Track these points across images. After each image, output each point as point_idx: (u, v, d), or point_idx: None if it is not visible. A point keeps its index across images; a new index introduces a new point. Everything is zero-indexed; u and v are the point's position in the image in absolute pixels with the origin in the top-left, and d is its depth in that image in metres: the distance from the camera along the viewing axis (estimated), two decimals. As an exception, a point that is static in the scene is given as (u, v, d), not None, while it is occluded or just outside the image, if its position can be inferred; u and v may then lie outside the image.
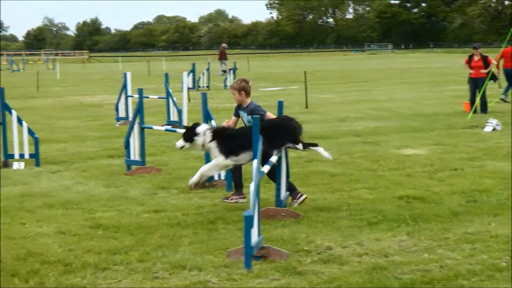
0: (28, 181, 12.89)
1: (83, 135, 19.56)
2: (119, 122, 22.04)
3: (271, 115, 10.64)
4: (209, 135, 9.99)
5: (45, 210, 10.49)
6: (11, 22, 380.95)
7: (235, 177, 10.89)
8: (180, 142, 10.15)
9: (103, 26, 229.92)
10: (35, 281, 7.24)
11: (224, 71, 46.84)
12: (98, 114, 25.75)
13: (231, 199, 10.81)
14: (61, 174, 13.57)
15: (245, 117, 10.91)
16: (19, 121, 14.74)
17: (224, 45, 56.30)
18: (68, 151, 16.60)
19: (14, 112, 14.76)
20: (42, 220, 9.87)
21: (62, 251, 8.26)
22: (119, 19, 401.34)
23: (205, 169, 10.01)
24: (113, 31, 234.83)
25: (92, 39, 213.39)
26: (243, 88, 10.92)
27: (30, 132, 14.78)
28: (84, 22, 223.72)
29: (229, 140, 10.01)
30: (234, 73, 41.81)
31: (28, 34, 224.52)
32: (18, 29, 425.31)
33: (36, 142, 14.68)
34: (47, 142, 17.68)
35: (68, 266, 7.67)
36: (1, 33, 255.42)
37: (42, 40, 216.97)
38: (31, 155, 14.72)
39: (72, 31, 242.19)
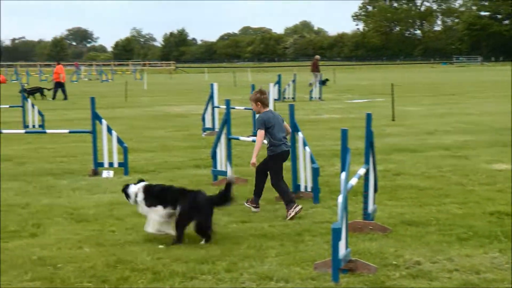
0: (117, 190, 13.02)
1: (170, 145, 19.77)
2: (205, 133, 22.23)
3: (260, 133, 11.07)
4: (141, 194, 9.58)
5: (133, 218, 10.62)
6: (101, 33, 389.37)
7: (258, 186, 11.32)
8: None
9: (189, 37, 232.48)
10: (124, 288, 7.35)
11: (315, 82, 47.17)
12: (185, 124, 26.01)
13: (246, 204, 11.29)
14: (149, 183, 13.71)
15: None
16: (109, 130, 14.98)
17: (317, 57, 56.33)
18: (156, 161, 16.80)
19: (104, 121, 15.02)
20: (130, 228, 10.00)
21: (150, 259, 8.34)
22: (205, 30, 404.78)
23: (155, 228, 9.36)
24: (199, 42, 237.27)
25: (178, 49, 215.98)
26: (258, 99, 11.31)
27: (119, 141, 15.01)
28: (171, 33, 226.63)
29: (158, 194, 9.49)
30: (324, 84, 41.71)
31: (117, 45, 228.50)
32: (107, 40, 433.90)
33: (125, 151, 14.90)
34: (135, 151, 17.94)
35: (157, 274, 7.74)
36: (91, 44, 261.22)
37: (130, 50, 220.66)
38: (120, 164, 14.95)
39: (159, 42, 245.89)
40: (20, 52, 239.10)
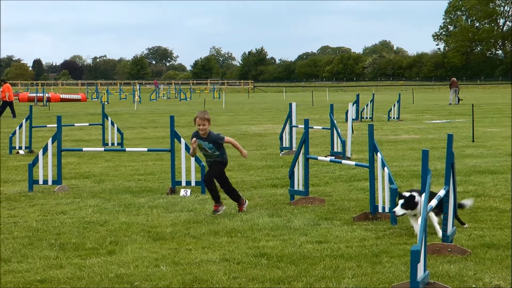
0: (194, 208, 13.14)
1: (248, 164, 19.76)
2: (282, 152, 22.19)
3: None
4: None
5: (210, 237, 10.64)
6: (180, 52, 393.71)
7: (213, 191, 12.61)
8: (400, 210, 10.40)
9: (268, 57, 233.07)
10: (200, 308, 7.33)
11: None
12: (262, 144, 26.03)
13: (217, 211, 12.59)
14: (226, 202, 13.71)
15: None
16: (187, 149, 15.06)
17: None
18: (233, 180, 16.70)
19: (182, 140, 15.12)
20: (207, 247, 10.01)
21: (227, 279, 8.33)
22: (284, 50, 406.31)
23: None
24: (278, 61, 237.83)
25: (257, 69, 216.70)
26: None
27: (197, 160, 15.04)
28: (250, 52, 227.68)
29: None
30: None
31: (196, 64, 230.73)
32: (187, 59, 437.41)
33: (202, 169, 14.92)
34: (213, 170, 17.96)
35: (233, 294, 7.72)
36: (170, 63, 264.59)
37: (209, 69, 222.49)
38: (197, 183, 14.99)
39: (238, 61, 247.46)
40: (101, 71, 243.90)
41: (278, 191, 15.01)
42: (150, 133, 31.32)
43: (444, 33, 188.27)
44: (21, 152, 22.96)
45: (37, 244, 10.20)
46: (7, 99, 44.52)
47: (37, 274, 8.61)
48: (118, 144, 24.86)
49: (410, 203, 10.23)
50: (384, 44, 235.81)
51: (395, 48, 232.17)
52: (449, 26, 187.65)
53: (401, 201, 10.32)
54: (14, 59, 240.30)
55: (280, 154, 22.06)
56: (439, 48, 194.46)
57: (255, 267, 8.86)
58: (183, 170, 14.96)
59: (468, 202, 11.16)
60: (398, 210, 10.29)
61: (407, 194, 10.36)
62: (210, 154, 12.81)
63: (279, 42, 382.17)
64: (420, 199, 9.70)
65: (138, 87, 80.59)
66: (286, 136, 22.40)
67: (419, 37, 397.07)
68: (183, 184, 15.00)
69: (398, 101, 40.17)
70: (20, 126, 23.20)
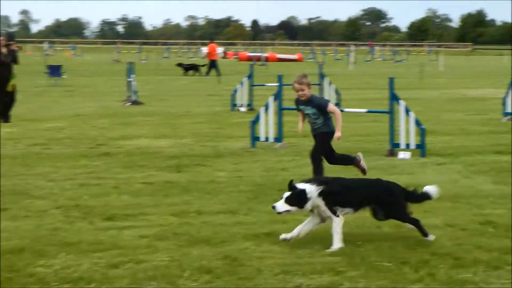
0: (414, 171, 12.97)
1: (468, 129, 19.28)
2: (506, 118, 21.38)
3: None
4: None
5: (432, 201, 10.41)
6: (395, 13, 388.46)
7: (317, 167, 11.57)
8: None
9: (488, 18, 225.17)
10: (425, 271, 7.22)
11: None
12: (483, 108, 25.29)
13: None
14: (447, 167, 13.44)
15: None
16: (407, 111, 14.86)
17: None
18: (453, 144, 16.45)
19: (402, 102, 14.92)
20: (429, 211, 9.81)
21: (451, 245, 8.15)
22: (505, 11, 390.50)
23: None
24: (499, 23, 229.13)
25: (476, 31, 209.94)
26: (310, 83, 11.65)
27: (417, 122, 14.82)
28: (469, 14, 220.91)
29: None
30: None
31: (411, 26, 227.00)
32: (401, 20, 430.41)
33: (422, 133, 14.70)
34: (432, 134, 17.58)
35: (458, 261, 7.55)
36: (385, 24, 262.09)
37: (424, 31, 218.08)
38: (417, 146, 14.77)
39: (455, 23, 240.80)
40: (315, 32, 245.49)
41: (502, 157, 14.48)
42: (366, 94, 31.21)
43: None
44: (241, 109, 23.65)
45: (262, 199, 10.47)
46: (214, 58, 47.09)
47: (263, 227, 8.85)
48: (335, 104, 24.95)
49: (296, 199, 8.00)
50: None
51: None
52: None
53: (286, 194, 8.07)
54: (232, 19, 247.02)
55: (503, 120, 21.28)
56: None
57: (481, 235, 8.59)
58: (402, 132, 14.77)
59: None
60: (280, 206, 8.07)
61: (301, 185, 8.04)
62: (313, 121, 11.64)
63: (500, 2, 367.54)
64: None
65: (353, 48, 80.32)
66: (509, 101, 21.55)
67: None
68: (402, 146, 14.82)
69: None
70: (242, 84, 23.85)
